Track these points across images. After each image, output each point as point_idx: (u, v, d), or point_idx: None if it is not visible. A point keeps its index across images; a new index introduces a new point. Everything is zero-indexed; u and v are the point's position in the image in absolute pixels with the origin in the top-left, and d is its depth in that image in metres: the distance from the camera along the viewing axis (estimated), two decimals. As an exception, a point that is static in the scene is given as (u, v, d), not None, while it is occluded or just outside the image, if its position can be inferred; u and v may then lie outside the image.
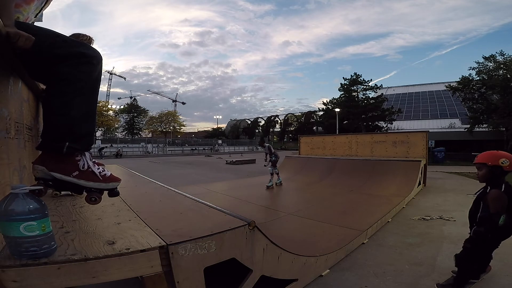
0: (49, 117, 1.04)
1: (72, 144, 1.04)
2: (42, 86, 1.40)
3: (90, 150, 1.18)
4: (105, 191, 1.12)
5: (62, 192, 1.80)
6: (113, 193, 1.14)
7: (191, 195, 2.01)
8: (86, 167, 1.08)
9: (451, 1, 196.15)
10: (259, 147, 45.88)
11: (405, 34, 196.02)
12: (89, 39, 2.16)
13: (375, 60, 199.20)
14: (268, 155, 6.56)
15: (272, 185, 6.24)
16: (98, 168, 1.12)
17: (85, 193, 1.10)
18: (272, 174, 6.36)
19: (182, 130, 53.53)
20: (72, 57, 1.02)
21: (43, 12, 1.33)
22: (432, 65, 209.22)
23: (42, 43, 0.96)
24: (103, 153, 21.86)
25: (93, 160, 1.15)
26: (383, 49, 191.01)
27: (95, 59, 1.08)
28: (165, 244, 1.06)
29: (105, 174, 1.12)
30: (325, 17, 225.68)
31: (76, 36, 2.10)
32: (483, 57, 19.15)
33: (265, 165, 6.63)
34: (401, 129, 24.53)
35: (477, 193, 2.00)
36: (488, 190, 1.89)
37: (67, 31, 1.76)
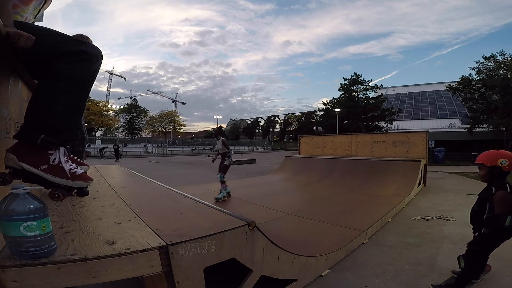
0: (31, 108, 1.03)
1: (48, 137, 1.02)
2: None
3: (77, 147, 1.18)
4: (74, 189, 1.11)
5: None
6: (82, 192, 1.14)
7: (191, 195, 2.01)
8: (56, 162, 1.06)
9: (453, 0, 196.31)
10: (259, 147, 45.87)
11: (407, 33, 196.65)
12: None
13: (376, 60, 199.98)
14: (219, 152, 4.99)
15: (223, 197, 4.76)
16: (71, 165, 1.10)
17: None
18: (222, 182, 4.86)
19: (182, 130, 53.64)
20: (71, 55, 1.01)
21: (43, 12, 1.33)
22: (433, 65, 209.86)
23: (43, 42, 0.96)
24: (103, 153, 21.84)
25: (70, 156, 1.14)
26: (384, 49, 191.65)
27: (95, 57, 1.08)
28: (165, 244, 1.05)
29: (75, 172, 1.10)
30: (326, 16, 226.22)
31: (79, 37, 2.10)
32: (483, 57, 19.16)
33: (213, 161, 5.41)
34: (401, 129, 24.53)
35: (480, 193, 1.98)
36: (493, 191, 1.85)
37: (67, 31, 1.76)
